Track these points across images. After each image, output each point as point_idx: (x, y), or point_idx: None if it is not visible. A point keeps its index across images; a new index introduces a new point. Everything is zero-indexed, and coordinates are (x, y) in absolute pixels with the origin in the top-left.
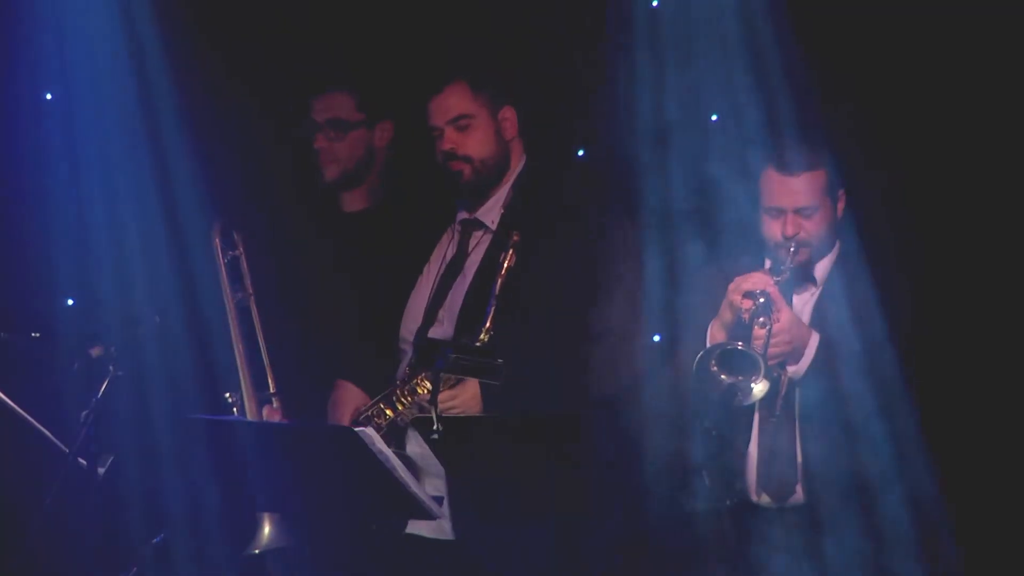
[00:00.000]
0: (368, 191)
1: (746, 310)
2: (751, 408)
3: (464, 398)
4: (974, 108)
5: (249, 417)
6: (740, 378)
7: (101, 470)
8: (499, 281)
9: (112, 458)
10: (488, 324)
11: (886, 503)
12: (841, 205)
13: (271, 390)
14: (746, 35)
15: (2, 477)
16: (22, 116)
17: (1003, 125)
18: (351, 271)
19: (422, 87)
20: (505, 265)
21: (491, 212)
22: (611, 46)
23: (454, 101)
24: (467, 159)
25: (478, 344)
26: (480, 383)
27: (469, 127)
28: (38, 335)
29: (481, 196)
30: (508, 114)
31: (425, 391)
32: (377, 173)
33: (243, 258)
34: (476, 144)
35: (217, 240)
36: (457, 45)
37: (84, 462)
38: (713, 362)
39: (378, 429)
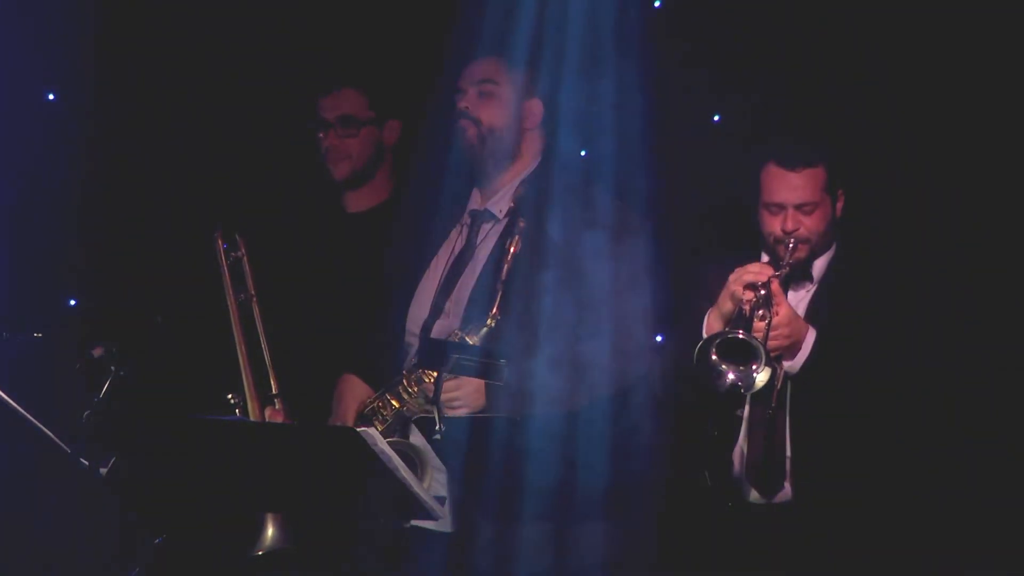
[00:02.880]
0: (374, 190)
1: (747, 301)
2: (744, 401)
3: (467, 391)
4: (973, 106)
5: (252, 418)
6: (742, 367)
7: (103, 470)
8: (506, 267)
9: (114, 459)
10: (495, 309)
11: (874, 498)
12: (840, 205)
13: (273, 391)
14: (748, 31)
15: (3, 477)
16: (23, 116)
17: (1002, 124)
18: (356, 271)
19: (432, 85)
20: (511, 251)
21: (501, 202)
22: (613, 45)
23: (486, 67)
24: (476, 121)
25: (485, 328)
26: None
27: (491, 95)
28: (40, 335)
29: (484, 166)
30: (534, 107)
31: (431, 380)
32: (384, 172)
33: (245, 260)
34: (490, 112)
35: (220, 242)
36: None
37: (86, 462)
38: (714, 351)
39: (384, 421)
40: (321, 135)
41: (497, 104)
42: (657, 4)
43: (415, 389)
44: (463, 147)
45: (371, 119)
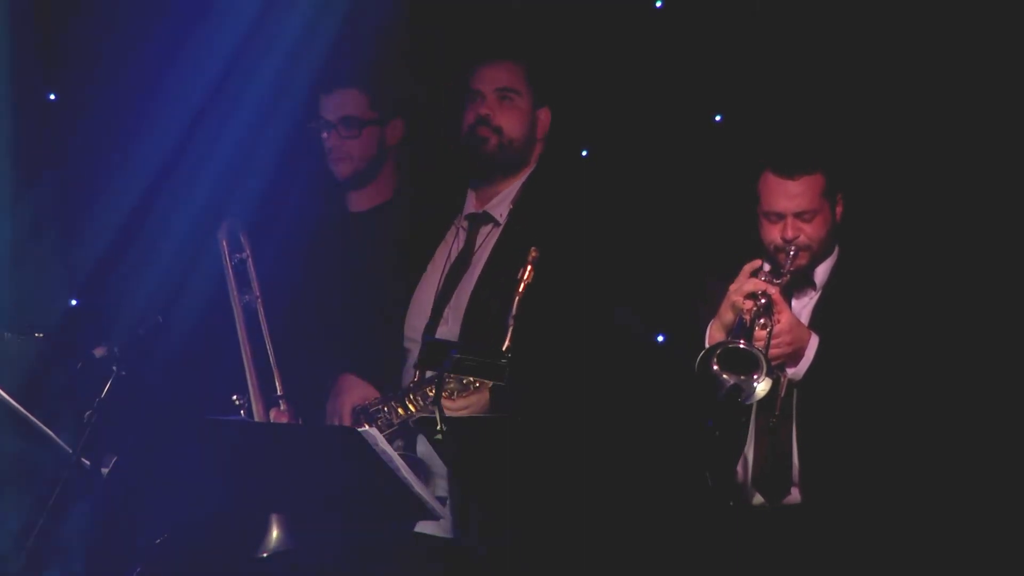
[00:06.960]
0: (377, 190)
1: (747, 311)
2: (750, 409)
3: (477, 408)
4: (972, 107)
5: (256, 419)
6: (743, 377)
7: (104, 471)
8: (517, 299)
9: (115, 459)
10: (507, 344)
11: (880, 503)
12: (840, 210)
13: (278, 392)
14: (747, 35)
15: (4, 477)
16: (23, 116)
17: (1001, 125)
18: (359, 271)
19: (434, 84)
20: (524, 281)
21: (500, 206)
22: (615, 46)
23: (507, 74)
24: (497, 130)
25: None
26: (491, 389)
27: (512, 102)
28: (41, 335)
29: (495, 174)
30: (544, 115)
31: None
32: (387, 171)
33: (250, 260)
34: (511, 120)
35: (224, 242)
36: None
37: (87, 462)
38: (715, 361)
39: (389, 426)
40: (324, 135)
41: (518, 112)
42: (658, 4)
43: (422, 402)
44: (479, 154)
45: (373, 119)
